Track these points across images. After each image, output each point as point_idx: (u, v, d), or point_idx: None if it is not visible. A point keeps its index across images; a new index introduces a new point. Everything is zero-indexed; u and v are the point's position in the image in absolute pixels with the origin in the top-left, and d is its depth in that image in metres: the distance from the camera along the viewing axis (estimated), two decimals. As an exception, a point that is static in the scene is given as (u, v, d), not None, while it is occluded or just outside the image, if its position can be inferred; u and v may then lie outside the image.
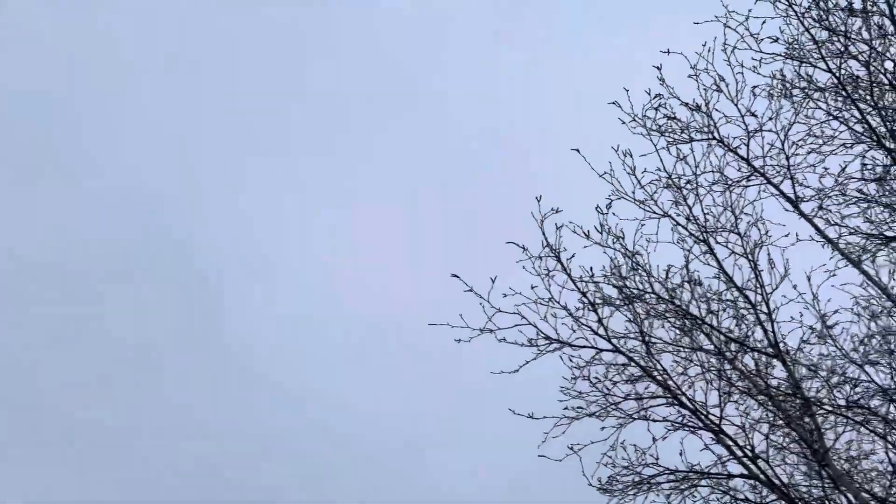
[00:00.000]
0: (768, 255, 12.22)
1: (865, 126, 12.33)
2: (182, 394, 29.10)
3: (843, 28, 12.11)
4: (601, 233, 12.43)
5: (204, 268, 32.38)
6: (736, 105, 12.63)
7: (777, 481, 11.77)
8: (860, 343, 12.46)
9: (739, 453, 11.64)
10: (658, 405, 12.16)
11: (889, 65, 12.27)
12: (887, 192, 12.67)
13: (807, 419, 11.95)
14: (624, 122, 12.73)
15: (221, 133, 33.97)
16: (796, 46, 12.55)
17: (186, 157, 34.08)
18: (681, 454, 11.76)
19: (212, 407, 28.51)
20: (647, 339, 12.21)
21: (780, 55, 12.49)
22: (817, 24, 12.33)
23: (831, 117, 12.50)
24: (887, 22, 12.32)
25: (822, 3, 12.27)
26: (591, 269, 12.15)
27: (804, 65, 12.40)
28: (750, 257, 12.29)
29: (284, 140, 34.17)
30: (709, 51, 12.50)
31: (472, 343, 12.23)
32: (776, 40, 12.44)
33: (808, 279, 12.12)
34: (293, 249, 33.17)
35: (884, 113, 12.02)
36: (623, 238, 12.39)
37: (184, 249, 32.41)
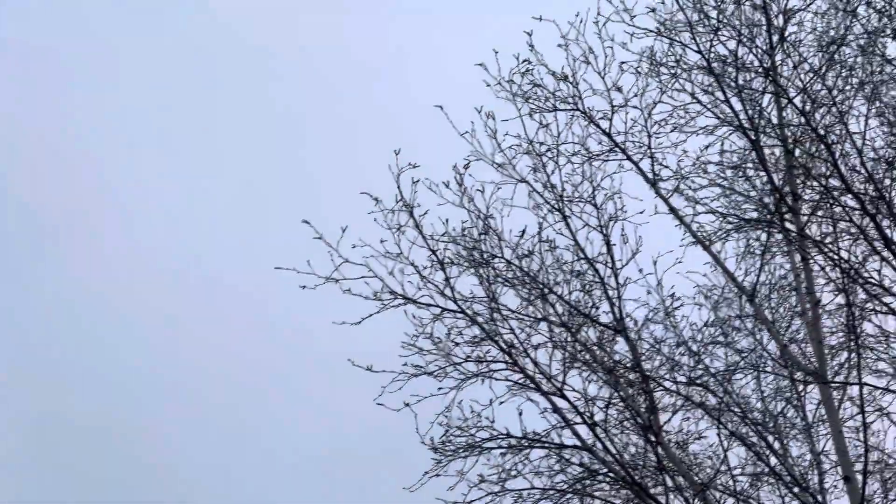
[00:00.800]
0: (622, 230, 13.21)
1: (730, 110, 13.39)
2: None
3: (714, 10, 13.17)
4: (456, 194, 13.27)
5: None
6: (603, 78, 13.49)
7: (610, 457, 12.77)
8: (698, 331, 13.58)
9: (579, 421, 12.63)
10: (498, 370, 13.06)
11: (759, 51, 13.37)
12: (742, 179, 13.76)
13: (643, 396, 12.98)
14: (489, 85, 13.59)
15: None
16: (669, 25, 13.54)
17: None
18: (520, 415, 12.67)
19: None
20: (492, 303, 13.07)
21: (653, 31, 13.46)
22: (690, 4, 13.34)
23: (695, 100, 13.53)
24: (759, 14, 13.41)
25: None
26: (447, 222, 12.99)
27: (675, 43, 13.42)
28: (603, 230, 13.25)
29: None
30: (581, 21, 13.37)
31: (317, 291, 12.94)
32: (653, 10, 13.38)
33: (654, 264, 13.15)
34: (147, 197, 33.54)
35: (746, 98, 13.05)
36: (474, 200, 13.24)
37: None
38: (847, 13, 13.06)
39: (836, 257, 12.33)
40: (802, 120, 12.80)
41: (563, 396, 12.70)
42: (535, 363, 12.76)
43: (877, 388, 12.35)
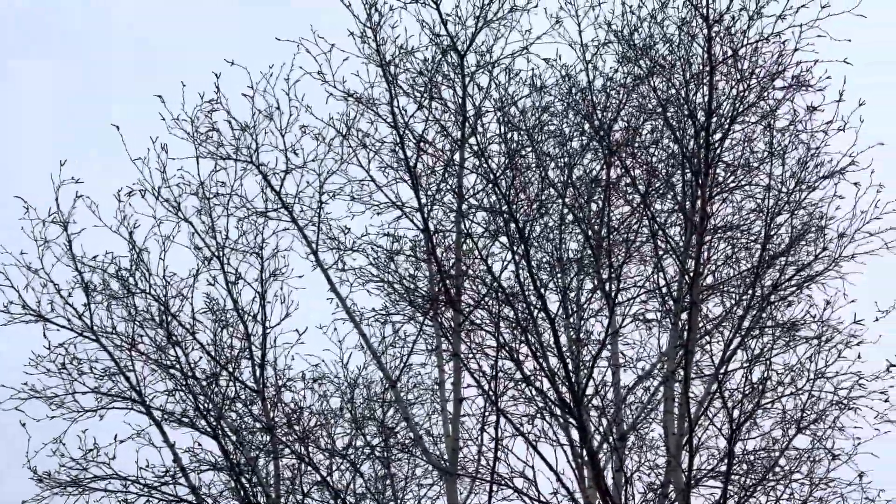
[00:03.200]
0: (280, 289, 15.85)
1: (395, 196, 16.28)
2: None
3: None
4: (116, 219, 15.56)
5: None
6: (283, 136, 15.99)
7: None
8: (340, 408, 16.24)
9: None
10: (122, 408, 15.28)
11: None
12: (393, 271, 16.58)
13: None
14: (164, 119, 15.93)
15: None
16: (366, 98, 16.44)
17: None
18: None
19: None
20: (130, 339, 15.35)
21: (350, 96, 16.32)
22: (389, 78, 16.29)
23: (369, 177, 16.32)
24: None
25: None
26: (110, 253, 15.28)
27: (368, 113, 16.32)
28: (260, 287, 15.87)
29: None
30: (272, 74, 16.10)
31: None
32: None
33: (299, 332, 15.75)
34: None
35: (418, 185, 16.01)
36: (132, 230, 15.55)
37: None
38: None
39: (478, 363, 15.26)
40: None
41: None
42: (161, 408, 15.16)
43: (508, 485, 15.10)
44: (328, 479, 14.96)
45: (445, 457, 15.24)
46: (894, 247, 14.91)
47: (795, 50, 14.41)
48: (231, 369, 15.28)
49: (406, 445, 15.76)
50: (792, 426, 14.75)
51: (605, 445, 14.81)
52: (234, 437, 14.96)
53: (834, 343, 14.97)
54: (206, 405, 14.99)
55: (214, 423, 14.83)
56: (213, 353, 15.30)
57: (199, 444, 15.02)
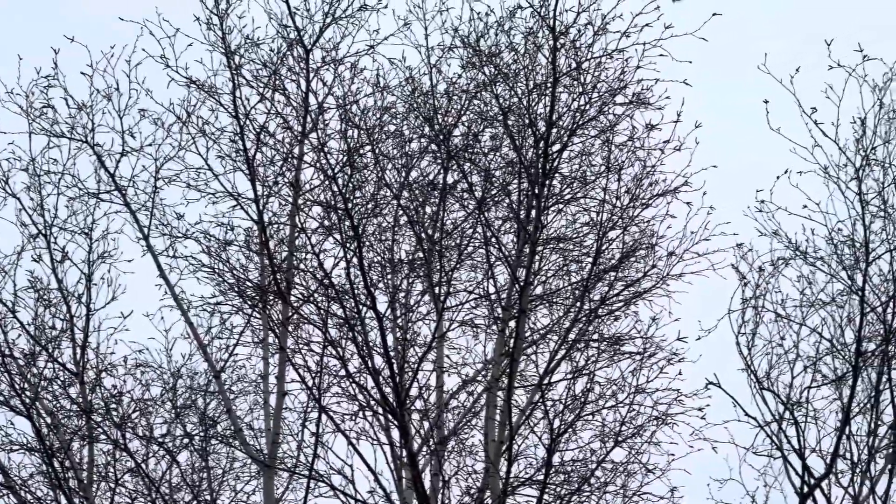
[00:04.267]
0: (108, 272, 15.49)
1: (232, 186, 16.01)
2: None
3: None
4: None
5: None
6: (121, 119, 15.70)
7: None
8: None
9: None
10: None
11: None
12: (224, 261, 16.28)
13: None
14: (-6, 91, 15.20)
15: None
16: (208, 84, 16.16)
17: None
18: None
19: None
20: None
21: (192, 83, 15.95)
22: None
23: (207, 166, 16.07)
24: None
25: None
26: None
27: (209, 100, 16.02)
28: (87, 268, 15.48)
29: None
30: (112, 55, 15.76)
31: None
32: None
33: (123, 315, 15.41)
34: None
35: (255, 176, 15.75)
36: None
37: None
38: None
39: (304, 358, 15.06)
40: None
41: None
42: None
43: (325, 482, 14.89)
44: (142, 465, 14.62)
45: (265, 451, 14.97)
46: (721, 268, 15.03)
47: (638, 67, 14.56)
48: (50, 350, 14.83)
49: (226, 437, 15.49)
50: (610, 439, 14.79)
51: (424, 448, 14.68)
52: (48, 420, 14.55)
53: (656, 359, 15.07)
54: (21, 385, 14.53)
55: (29, 404, 14.40)
56: (32, 333, 14.84)
57: (12, 424, 14.57)
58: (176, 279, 15.74)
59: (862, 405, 14.34)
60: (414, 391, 14.11)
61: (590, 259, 15.16)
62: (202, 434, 15.39)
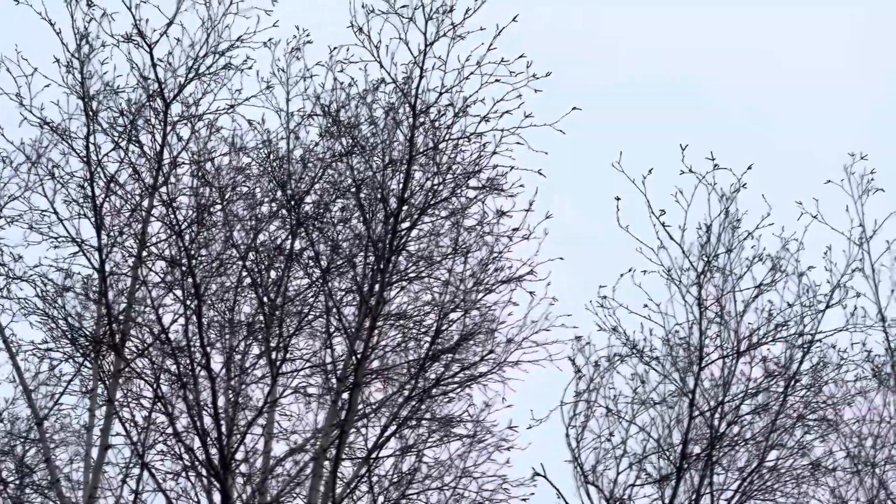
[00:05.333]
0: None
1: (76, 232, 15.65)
2: None
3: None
4: None
5: None
6: None
7: None
8: None
9: None
10: None
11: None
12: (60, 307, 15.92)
13: None
14: None
15: None
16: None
17: None
18: None
19: None
20: None
21: (46, 124, 15.52)
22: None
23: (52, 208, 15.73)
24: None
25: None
26: None
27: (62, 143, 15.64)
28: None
29: None
30: None
31: None
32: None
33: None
34: None
35: (101, 224, 15.43)
36: None
37: None
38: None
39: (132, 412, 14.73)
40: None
41: None
42: None
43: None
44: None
45: (81, 504, 14.58)
46: (558, 360, 15.08)
47: (494, 153, 14.61)
48: None
49: (42, 487, 15.03)
50: (433, 521, 14.69)
51: (245, 513, 14.41)
52: None
53: (486, 444, 15.02)
54: None
55: None
56: None
57: None
58: (7, 321, 15.28)
59: (683, 507, 14.42)
60: (240, 455, 13.85)
61: (428, 338, 15.08)
62: (17, 482, 14.90)
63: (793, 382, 14.47)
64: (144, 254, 15.27)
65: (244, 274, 15.31)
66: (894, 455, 14.78)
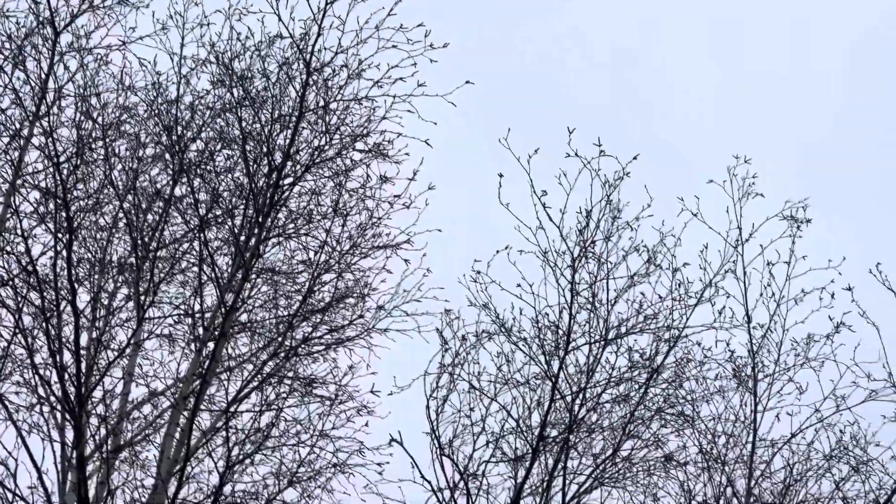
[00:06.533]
0: None
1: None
2: None
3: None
4: None
5: None
6: None
7: None
8: None
9: None
10: None
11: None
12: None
13: None
14: None
15: None
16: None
17: None
18: None
19: None
20: None
21: None
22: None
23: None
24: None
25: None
26: None
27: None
28: None
29: None
30: None
31: None
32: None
33: None
34: None
35: None
36: None
37: None
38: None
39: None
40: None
41: None
42: None
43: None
44: None
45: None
46: (427, 331, 15.05)
47: (384, 118, 14.51)
48: None
49: None
50: (285, 478, 14.55)
51: (97, 454, 14.16)
52: None
53: (346, 408, 14.96)
54: None
55: None
56: None
57: None
58: None
59: (534, 488, 14.43)
60: (98, 394, 13.60)
61: (300, 297, 14.94)
62: None
63: (655, 375, 14.49)
64: (19, 182, 14.92)
65: (120, 215, 15.03)
66: (745, 454, 14.87)
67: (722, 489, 14.79)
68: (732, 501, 14.78)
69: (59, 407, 13.50)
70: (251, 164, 14.84)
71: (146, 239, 14.99)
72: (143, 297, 14.47)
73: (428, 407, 13.94)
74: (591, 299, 14.30)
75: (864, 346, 14.54)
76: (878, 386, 14.55)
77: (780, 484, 14.90)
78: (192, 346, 14.99)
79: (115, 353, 14.20)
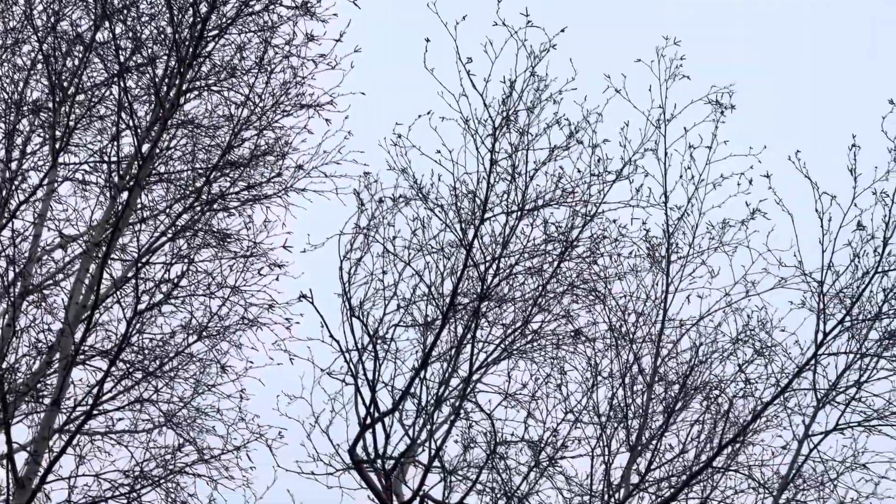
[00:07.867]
0: None
1: None
2: None
3: None
4: None
5: None
6: None
7: None
8: None
9: None
10: None
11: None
12: None
13: None
14: None
15: None
16: None
17: None
18: None
19: None
20: None
21: None
22: None
23: None
24: None
25: None
26: None
27: None
28: None
29: None
30: None
31: None
32: None
33: None
34: None
35: None
36: None
37: None
38: None
39: None
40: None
41: None
42: None
43: None
44: None
45: None
46: (344, 194, 14.95)
47: (312, -26, 14.22)
48: None
49: None
50: (195, 332, 14.47)
51: (4, 296, 13.98)
52: None
53: (259, 264, 14.87)
54: None
55: None
56: None
57: None
58: None
59: (442, 355, 14.42)
60: (6, 235, 13.39)
61: (219, 151, 14.74)
62: None
63: (569, 249, 14.46)
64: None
65: (40, 58, 14.70)
66: (653, 333, 14.95)
67: (628, 366, 14.85)
68: (638, 378, 14.87)
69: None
70: (176, 12, 14.50)
71: (65, 84, 14.66)
72: (58, 142, 14.21)
73: (341, 268, 13.81)
74: (510, 170, 14.16)
75: (778, 233, 14.59)
76: (787, 273, 14.63)
77: (685, 364, 14.99)
78: (107, 194, 14.76)
79: (27, 194, 13.97)
